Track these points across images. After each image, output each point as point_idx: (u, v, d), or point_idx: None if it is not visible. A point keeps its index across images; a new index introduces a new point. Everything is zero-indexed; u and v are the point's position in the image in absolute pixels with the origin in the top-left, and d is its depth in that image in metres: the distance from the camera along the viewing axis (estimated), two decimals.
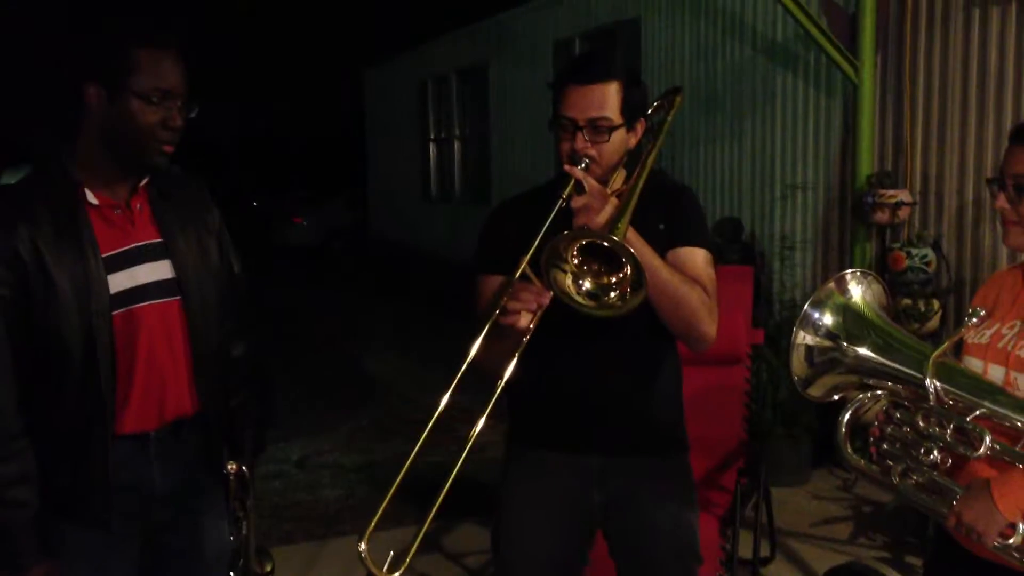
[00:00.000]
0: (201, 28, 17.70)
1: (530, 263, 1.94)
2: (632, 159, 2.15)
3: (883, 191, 4.86)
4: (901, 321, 4.76)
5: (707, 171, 6.57)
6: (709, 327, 2.07)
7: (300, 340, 8.67)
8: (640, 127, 2.15)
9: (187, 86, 1.92)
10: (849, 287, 1.86)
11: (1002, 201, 1.73)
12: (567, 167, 2.01)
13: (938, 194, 4.87)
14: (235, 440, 2.14)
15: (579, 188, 1.98)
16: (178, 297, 1.97)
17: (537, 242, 1.95)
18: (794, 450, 4.81)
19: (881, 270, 5.05)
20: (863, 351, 1.80)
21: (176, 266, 1.97)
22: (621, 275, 1.86)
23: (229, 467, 2.11)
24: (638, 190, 1.96)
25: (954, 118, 4.75)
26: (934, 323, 4.70)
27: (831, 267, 5.52)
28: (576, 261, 1.89)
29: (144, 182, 1.98)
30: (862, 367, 1.80)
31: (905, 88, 4.99)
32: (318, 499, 4.85)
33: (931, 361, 1.68)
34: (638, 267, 1.81)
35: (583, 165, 2.02)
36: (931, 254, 4.75)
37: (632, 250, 1.81)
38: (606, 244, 1.84)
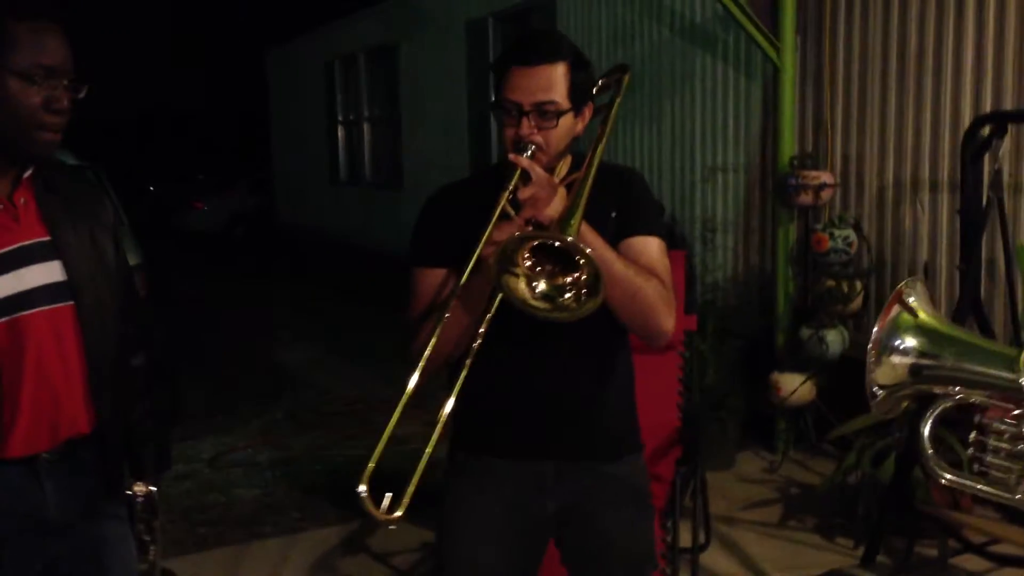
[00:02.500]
0: (91, 3, 16.86)
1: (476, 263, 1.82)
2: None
3: (806, 173, 4.86)
4: (825, 302, 4.78)
5: (626, 153, 6.51)
6: (667, 320, 1.97)
7: (205, 331, 8.32)
8: (588, 111, 2.03)
9: (74, 63, 1.70)
10: (910, 302, 1.86)
11: None
12: (512, 156, 1.87)
13: (859, 175, 4.89)
14: (137, 458, 1.94)
15: (525, 177, 1.85)
16: (71, 302, 1.76)
17: (484, 239, 1.82)
18: (721, 433, 4.79)
19: (804, 252, 5.07)
20: (956, 363, 1.79)
21: (68, 267, 1.76)
22: (576, 275, 1.74)
23: (136, 488, 1.91)
24: (590, 180, 1.83)
25: (874, 100, 4.77)
26: (857, 303, 4.73)
27: (753, 249, 5.52)
28: (528, 263, 1.76)
29: (28, 174, 1.76)
30: (956, 378, 1.79)
31: (825, 69, 4.99)
32: (233, 500, 4.62)
33: (1021, 360, 1.67)
34: (595, 268, 1.70)
35: (528, 153, 1.89)
36: (853, 235, 4.77)
37: (588, 251, 1.69)
38: (559, 245, 1.71)
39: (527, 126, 1.93)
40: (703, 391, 4.79)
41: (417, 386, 1.85)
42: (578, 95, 1.97)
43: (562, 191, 1.88)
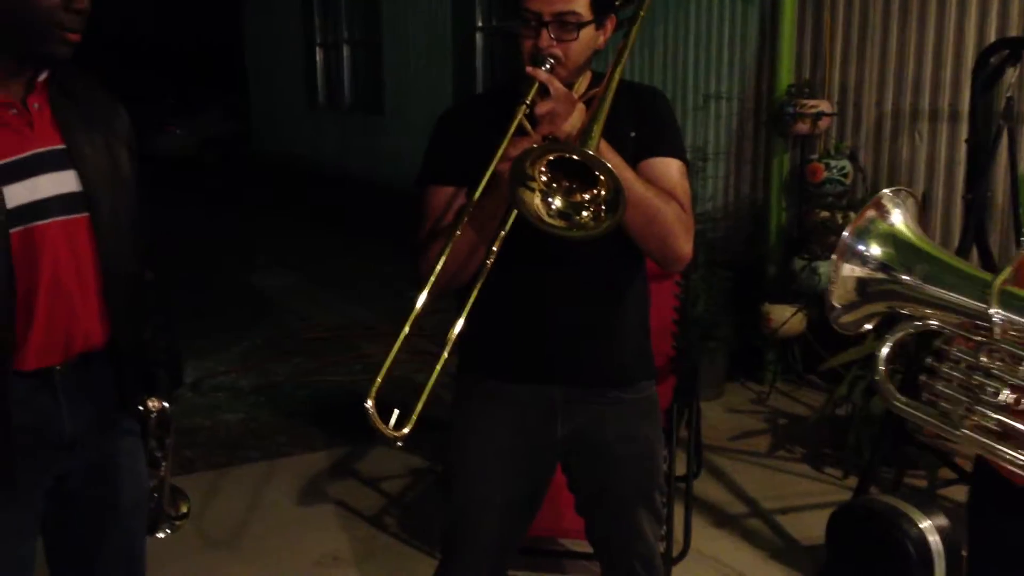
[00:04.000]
0: None
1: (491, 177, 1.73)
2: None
3: (803, 101, 4.77)
4: (819, 234, 4.74)
5: None
6: (685, 245, 1.90)
7: (181, 257, 8.14)
8: (610, 25, 1.92)
9: None
10: (889, 211, 1.70)
11: None
12: (529, 68, 1.77)
13: (856, 105, 4.80)
14: (149, 374, 1.88)
15: (543, 91, 1.76)
16: (86, 213, 1.68)
17: (500, 154, 1.72)
18: (711, 363, 4.78)
19: (798, 182, 5.00)
20: (920, 281, 1.64)
21: (83, 178, 1.68)
22: (595, 192, 1.66)
23: (150, 404, 1.84)
24: (610, 95, 1.73)
25: (876, 27, 4.66)
26: None
27: (745, 179, 5.45)
28: (544, 178, 1.68)
29: (43, 77, 1.66)
30: (919, 298, 1.65)
31: None
32: (217, 423, 4.56)
33: (995, 288, 1.52)
34: (616, 183, 1.61)
35: (547, 66, 1.79)
36: (848, 166, 4.71)
37: (608, 165, 1.61)
38: (578, 158, 1.62)
39: (546, 38, 1.83)
40: (693, 321, 4.75)
41: (424, 306, 1.76)
42: (600, 6, 1.86)
43: (581, 107, 1.79)
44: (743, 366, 5.06)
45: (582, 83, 1.94)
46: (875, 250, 1.67)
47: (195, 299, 6.71)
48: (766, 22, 5.19)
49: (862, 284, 1.68)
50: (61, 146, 1.67)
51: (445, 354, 1.73)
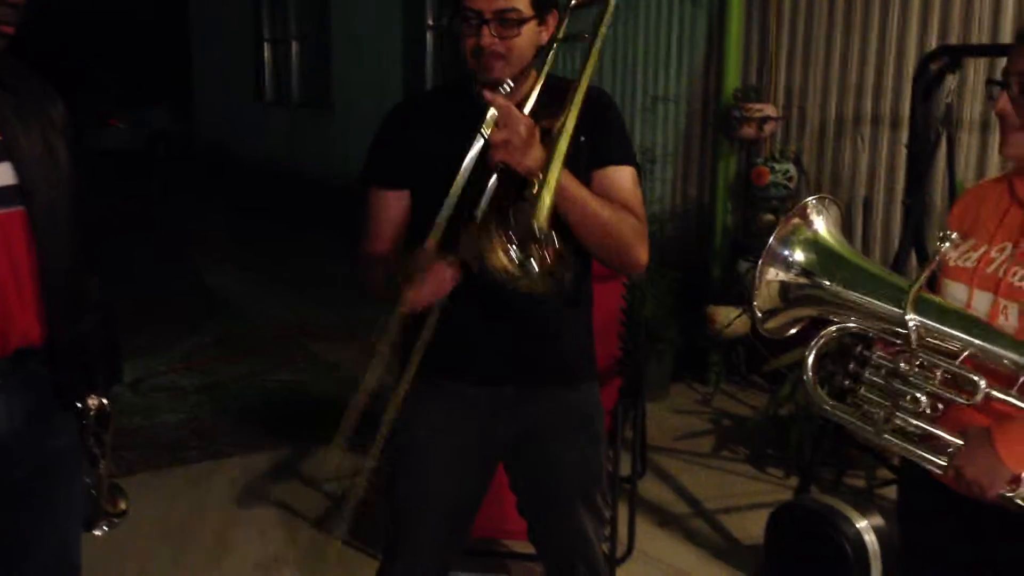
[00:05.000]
0: None
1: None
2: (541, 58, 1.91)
3: (749, 105, 4.82)
4: (764, 236, 4.78)
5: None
6: (642, 253, 1.91)
7: (125, 252, 8.01)
8: (552, 20, 1.90)
9: None
10: (812, 219, 1.72)
11: (1004, 102, 1.58)
12: (488, 95, 1.72)
13: (801, 109, 4.87)
14: (88, 370, 1.82)
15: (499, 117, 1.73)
16: (21, 207, 1.63)
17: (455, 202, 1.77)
18: (657, 364, 4.80)
19: (743, 185, 5.05)
20: (841, 287, 1.66)
21: (19, 169, 1.62)
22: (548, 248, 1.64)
23: (89, 401, 1.79)
24: (567, 134, 1.69)
25: (820, 33, 4.73)
26: None
27: (692, 181, 5.49)
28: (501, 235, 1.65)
29: None
30: (840, 303, 1.67)
31: (771, 0, 4.92)
32: (157, 425, 4.47)
33: (910, 295, 1.54)
34: (566, 249, 1.65)
35: (505, 89, 1.75)
36: (793, 169, 4.77)
37: (558, 248, 1.62)
38: (538, 232, 1.61)
39: (488, 35, 1.81)
40: (640, 323, 4.77)
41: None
42: (541, 2, 1.85)
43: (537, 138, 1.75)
44: (688, 367, 5.11)
45: (529, 84, 1.92)
46: (798, 256, 1.70)
47: (139, 295, 6.58)
48: (714, 25, 5.24)
49: (784, 289, 1.71)
50: None
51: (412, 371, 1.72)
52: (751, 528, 3.44)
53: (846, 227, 4.42)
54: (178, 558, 3.26)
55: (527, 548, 2.72)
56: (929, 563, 1.75)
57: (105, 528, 1.96)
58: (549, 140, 1.71)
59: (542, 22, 1.88)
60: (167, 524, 3.46)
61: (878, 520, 2.74)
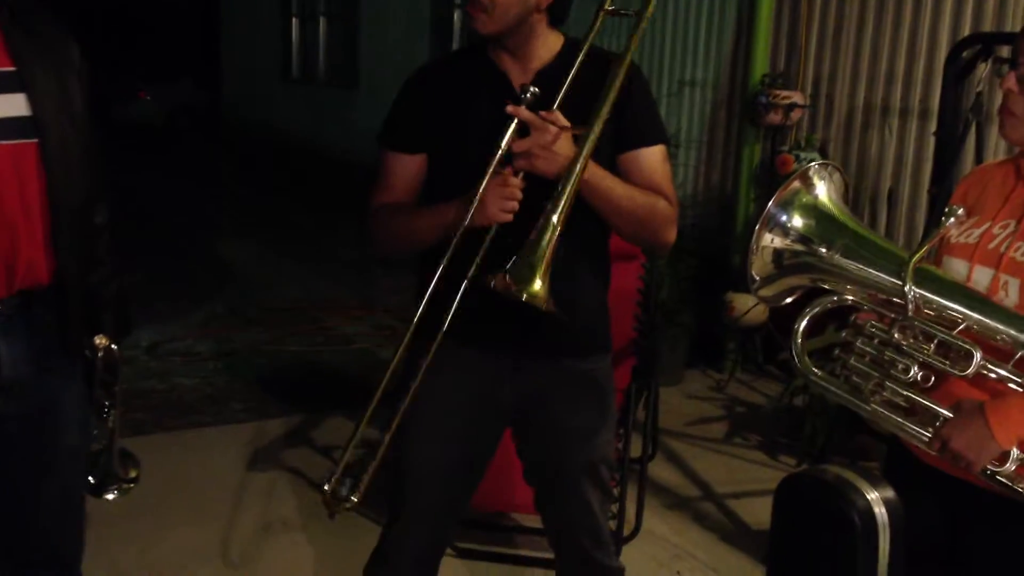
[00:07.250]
0: None
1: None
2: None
3: (777, 92, 4.77)
4: None
5: None
6: (670, 235, 1.93)
7: (146, 223, 8.04)
8: None
9: None
10: (815, 184, 1.67)
11: (1010, 81, 1.55)
12: (510, 108, 1.75)
13: (829, 97, 4.81)
14: (96, 317, 1.81)
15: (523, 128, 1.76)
16: (34, 139, 1.62)
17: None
18: (671, 349, 4.78)
19: (767, 173, 5.01)
20: (838, 256, 1.63)
21: (33, 102, 1.62)
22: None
23: (96, 341, 1.78)
24: (604, 112, 1.74)
25: (851, 21, 4.67)
26: None
27: (716, 167, 5.45)
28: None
29: None
30: (836, 272, 1.64)
31: None
32: (172, 388, 4.50)
33: (910, 266, 1.51)
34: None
35: (527, 95, 1.76)
36: (818, 158, 4.71)
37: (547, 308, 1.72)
38: (545, 310, 1.72)
39: None
40: (656, 305, 4.74)
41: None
42: None
43: (567, 138, 1.78)
44: (703, 354, 5.07)
45: (544, 47, 1.90)
46: (796, 221, 1.66)
47: (158, 264, 6.61)
48: (744, 11, 5.18)
49: (779, 255, 1.68)
50: (11, 68, 1.61)
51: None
52: (760, 514, 3.41)
53: (871, 217, 4.39)
54: (184, 518, 3.28)
55: (535, 522, 2.72)
56: (913, 540, 1.73)
57: (116, 493, 1.94)
58: (579, 139, 1.75)
59: None
60: (181, 482, 3.48)
61: (889, 493, 2.70)
